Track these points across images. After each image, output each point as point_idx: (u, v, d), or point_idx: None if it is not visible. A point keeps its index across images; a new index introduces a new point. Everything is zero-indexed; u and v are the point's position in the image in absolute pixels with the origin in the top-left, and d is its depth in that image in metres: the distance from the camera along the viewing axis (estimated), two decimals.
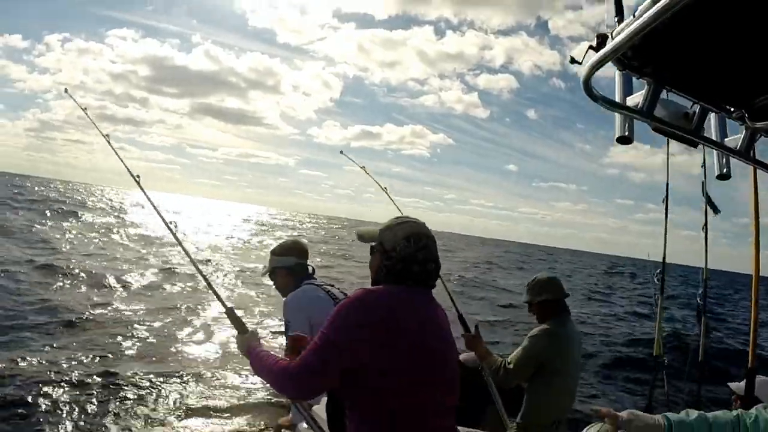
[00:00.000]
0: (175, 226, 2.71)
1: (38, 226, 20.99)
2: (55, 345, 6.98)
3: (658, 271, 4.50)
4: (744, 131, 1.51)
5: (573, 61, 1.40)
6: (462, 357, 3.23)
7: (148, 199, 2.88)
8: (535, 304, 3.25)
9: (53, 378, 5.75)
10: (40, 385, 5.49)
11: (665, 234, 4.67)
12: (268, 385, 1.95)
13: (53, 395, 5.37)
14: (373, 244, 1.83)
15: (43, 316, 8.26)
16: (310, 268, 2.99)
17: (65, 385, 5.63)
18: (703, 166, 4.51)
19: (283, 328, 2.80)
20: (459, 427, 1.72)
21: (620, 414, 1.57)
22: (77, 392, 5.54)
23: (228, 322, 2.22)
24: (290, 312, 2.71)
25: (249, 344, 1.97)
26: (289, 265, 2.92)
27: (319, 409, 2.44)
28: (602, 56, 1.23)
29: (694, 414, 1.57)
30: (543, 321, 3.23)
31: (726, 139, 1.54)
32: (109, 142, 3.22)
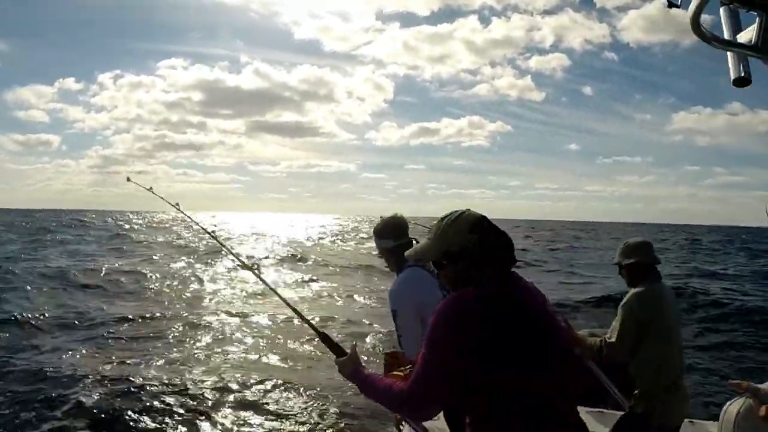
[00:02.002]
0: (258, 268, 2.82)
1: None
2: None
3: None
4: None
5: (671, 4, 1.27)
6: None
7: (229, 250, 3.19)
8: (625, 266, 3.12)
9: None
10: None
11: None
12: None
13: None
14: (437, 259, 1.66)
15: None
16: (414, 242, 2.79)
17: None
18: None
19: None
20: (581, 407, 1.67)
21: (761, 386, 1.45)
22: None
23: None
24: (395, 301, 2.70)
25: (352, 367, 1.88)
26: (388, 248, 2.86)
27: (435, 423, 2.51)
28: None
29: None
30: (632, 285, 3.08)
31: None
32: (181, 210, 3.47)
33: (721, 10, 1.28)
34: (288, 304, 2.47)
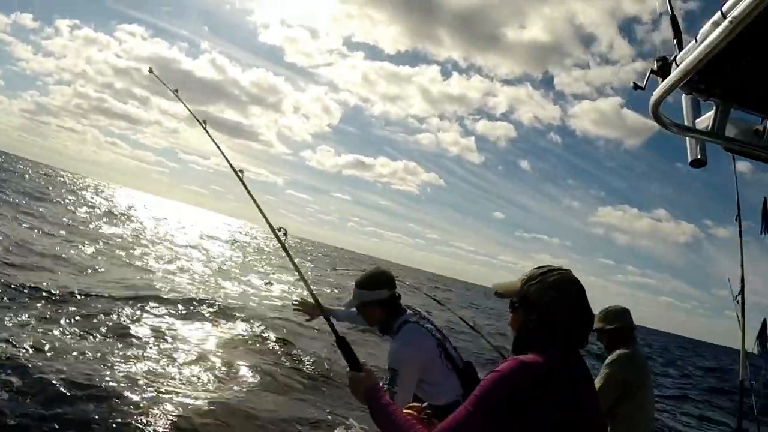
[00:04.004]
0: (284, 234, 2.40)
1: None
2: None
3: (737, 292, 4.19)
4: None
5: (636, 86, 1.40)
6: None
7: (254, 201, 2.61)
8: (606, 331, 3.33)
9: None
10: None
11: (741, 251, 4.28)
12: None
13: None
14: (514, 299, 1.66)
15: None
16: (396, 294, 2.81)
17: None
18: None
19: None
20: None
21: None
22: None
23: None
24: (400, 360, 2.56)
25: (369, 385, 1.75)
26: (382, 299, 2.74)
27: None
28: (671, 83, 1.25)
29: None
30: (612, 348, 3.29)
31: None
32: (207, 131, 3.12)
33: (683, 98, 1.46)
34: (316, 300, 2.36)
